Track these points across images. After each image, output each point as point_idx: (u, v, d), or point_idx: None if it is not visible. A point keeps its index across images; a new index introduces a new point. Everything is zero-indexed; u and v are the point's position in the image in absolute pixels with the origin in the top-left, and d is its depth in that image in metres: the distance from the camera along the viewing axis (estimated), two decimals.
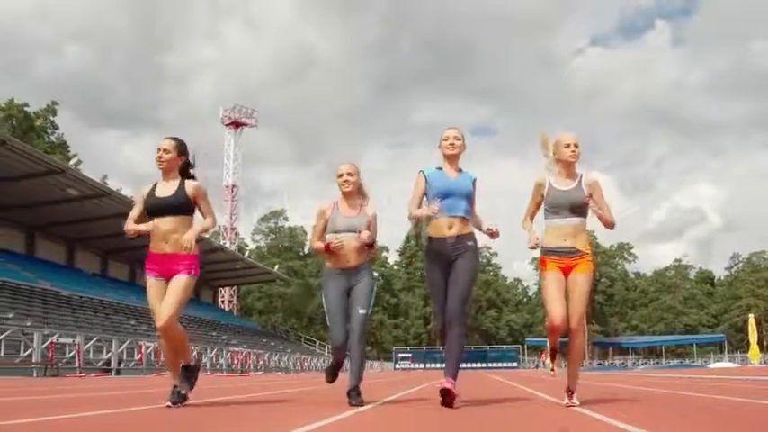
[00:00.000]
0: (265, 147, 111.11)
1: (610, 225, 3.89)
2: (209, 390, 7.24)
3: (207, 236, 3.24)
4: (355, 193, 4.22)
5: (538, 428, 2.73)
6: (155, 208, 3.96)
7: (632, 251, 77.14)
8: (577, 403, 3.81)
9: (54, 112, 44.04)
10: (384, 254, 72.90)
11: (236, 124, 59.15)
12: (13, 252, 28.48)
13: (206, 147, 72.02)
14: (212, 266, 41.64)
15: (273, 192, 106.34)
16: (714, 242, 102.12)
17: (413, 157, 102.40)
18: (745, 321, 36.19)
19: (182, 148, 4.09)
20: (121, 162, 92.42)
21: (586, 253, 3.80)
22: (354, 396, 4.08)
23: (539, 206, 3.93)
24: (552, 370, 4.38)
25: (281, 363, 32.38)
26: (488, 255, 75.69)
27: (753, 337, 28.74)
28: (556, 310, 3.72)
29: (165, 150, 4.02)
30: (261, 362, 29.50)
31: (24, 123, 40.98)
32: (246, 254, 57.81)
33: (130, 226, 3.98)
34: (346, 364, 4.29)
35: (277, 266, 52.10)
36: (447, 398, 3.71)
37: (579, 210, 3.79)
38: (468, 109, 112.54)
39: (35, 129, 41.85)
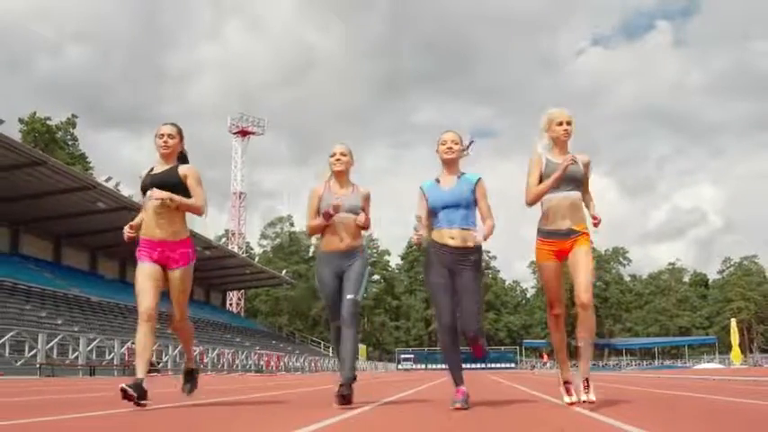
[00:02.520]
0: (265, 147, 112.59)
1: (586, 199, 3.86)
2: (233, 389, 7.47)
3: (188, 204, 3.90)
4: (346, 174, 4.17)
5: (537, 428, 2.78)
6: (150, 185, 3.92)
7: (627, 255, 79.17)
8: (594, 399, 3.53)
9: (74, 125, 45.82)
10: (386, 257, 74.59)
11: (244, 133, 60.72)
12: (42, 260, 30.36)
13: (208, 146, 73.43)
14: (223, 272, 43.41)
15: (274, 192, 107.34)
16: (714, 242, 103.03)
17: (413, 158, 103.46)
18: None
19: (182, 133, 4.10)
20: (121, 162, 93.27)
21: (584, 233, 3.68)
22: (345, 390, 3.78)
23: (539, 179, 3.73)
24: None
25: (298, 364, 34.26)
26: (487, 258, 77.27)
27: (734, 339, 30.60)
28: (554, 294, 3.76)
29: (169, 135, 4.00)
30: (281, 363, 31.36)
31: (46, 136, 42.72)
32: (256, 259, 59.48)
33: (126, 229, 3.95)
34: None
35: (285, 271, 53.72)
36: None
37: (576, 183, 3.69)
38: (467, 110, 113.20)
39: (56, 141, 43.61)
